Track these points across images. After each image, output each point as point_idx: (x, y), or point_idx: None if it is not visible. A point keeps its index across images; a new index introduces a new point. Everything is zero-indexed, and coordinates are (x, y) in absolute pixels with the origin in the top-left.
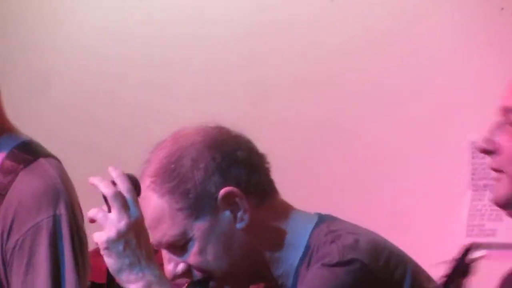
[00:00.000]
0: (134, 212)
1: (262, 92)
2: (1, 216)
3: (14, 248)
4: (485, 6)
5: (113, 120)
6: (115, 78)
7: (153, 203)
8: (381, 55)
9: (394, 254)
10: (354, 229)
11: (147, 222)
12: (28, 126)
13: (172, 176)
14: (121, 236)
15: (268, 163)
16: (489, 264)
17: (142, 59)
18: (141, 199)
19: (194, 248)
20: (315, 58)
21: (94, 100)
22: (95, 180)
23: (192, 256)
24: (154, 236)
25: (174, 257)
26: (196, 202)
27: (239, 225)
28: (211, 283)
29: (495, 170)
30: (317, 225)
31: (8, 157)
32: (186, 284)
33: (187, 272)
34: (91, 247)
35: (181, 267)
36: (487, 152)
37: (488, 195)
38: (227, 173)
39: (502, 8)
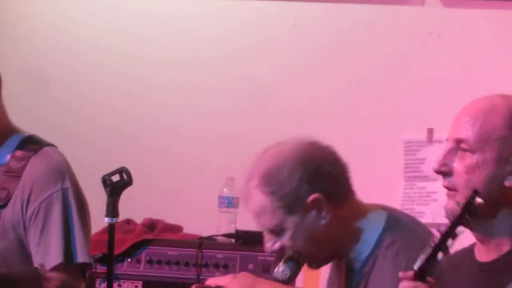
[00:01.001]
0: None
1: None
2: (19, 192)
3: (31, 216)
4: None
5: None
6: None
7: (258, 198)
8: (327, 68)
9: None
10: (410, 239)
11: (252, 211)
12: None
13: (275, 181)
14: None
15: (349, 171)
16: None
17: (139, 59)
18: (247, 194)
19: (287, 235)
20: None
21: (90, 98)
22: None
23: (286, 240)
24: (258, 223)
25: (273, 238)
26: (291, 203)
27: (322, 222)
28: (301, 259)
29: (448, 188)
30: (385, 229)
31: (18, 148)
32: (284, 258)
33: (281, 249)
34: (98, 225)
35: (277, 245)
36: (442, 173)
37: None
38: (315, 184)
39: (430, 33)
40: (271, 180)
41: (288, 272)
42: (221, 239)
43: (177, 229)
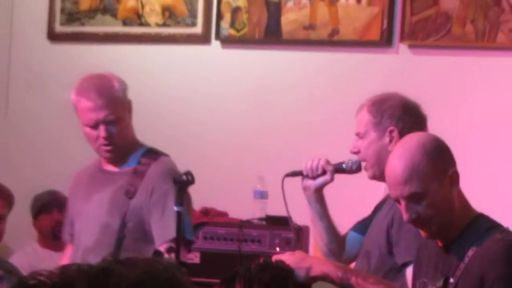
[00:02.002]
0: None
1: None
2: (143, 187)
3: (153, 204)
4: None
5: None
6: None
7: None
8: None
9: None
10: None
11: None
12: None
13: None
14: None
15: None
16: None
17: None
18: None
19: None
20: None
21: None
22: None
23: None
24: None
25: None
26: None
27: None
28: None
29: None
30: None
31: (143, 156)
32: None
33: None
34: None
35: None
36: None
37: None
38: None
39: None
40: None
41: (355, 167)
42: (255, 221)
43: (224, 214)
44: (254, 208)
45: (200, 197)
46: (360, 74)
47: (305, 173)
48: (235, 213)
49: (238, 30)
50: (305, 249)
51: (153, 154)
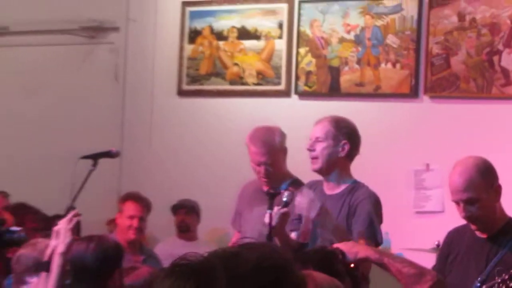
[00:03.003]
0: None
1: None
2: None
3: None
4: None
5: None
6: None
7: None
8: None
9: None
10: None
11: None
12: None
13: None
14: None
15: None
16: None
17: None
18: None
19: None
20: None
21: None
22: None
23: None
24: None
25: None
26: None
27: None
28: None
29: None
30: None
31: (290, 185)
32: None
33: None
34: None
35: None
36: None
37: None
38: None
39: None
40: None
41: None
42: None
43: None
44: None
45: None
46: (396, 117)
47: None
48: None
49: (310, 87)
50: None
51: (297, 184)
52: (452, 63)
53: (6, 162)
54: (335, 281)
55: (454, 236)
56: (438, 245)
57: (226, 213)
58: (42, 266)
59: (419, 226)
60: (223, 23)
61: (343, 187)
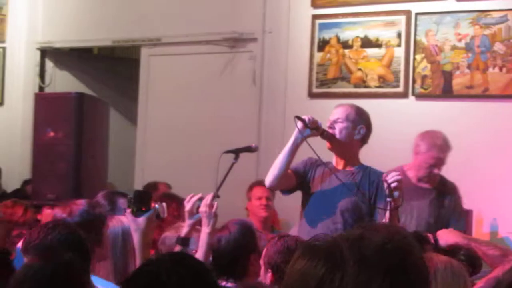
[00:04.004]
0: None
1: None
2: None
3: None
4: None
5: None
6: None
7: None
8: None
9: None
10: None
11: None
12: None
13: None
14: None
15: None
16: None
17: None
18: None
19: None
20: None
21: None
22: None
23: None
24: None
25: None
26: None
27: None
28: None
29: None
30: None
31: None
32: None
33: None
34: None
35: None
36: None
37: None
38: None
39: None
40: None
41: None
42: None
43: None
44: None
45: None
46: (504, 115)
47: (308, 122)
48: None
49: (425, 89)
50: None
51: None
52: None
53: (168, 159)
54: (452, 261)
55: None
56: None
57: None
58: (179, 241)
59: None
60: (348, 34)
61: (353, 167)
